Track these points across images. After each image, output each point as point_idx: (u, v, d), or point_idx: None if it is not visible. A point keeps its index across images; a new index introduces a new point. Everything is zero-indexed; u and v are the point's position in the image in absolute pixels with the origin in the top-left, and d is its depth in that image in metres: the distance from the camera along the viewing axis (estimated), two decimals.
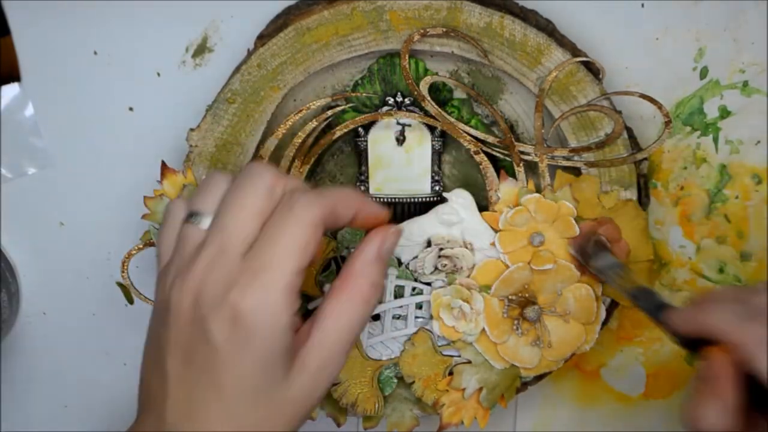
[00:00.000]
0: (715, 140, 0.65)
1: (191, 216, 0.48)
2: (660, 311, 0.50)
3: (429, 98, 0.60)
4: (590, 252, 0.59)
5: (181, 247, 0.47)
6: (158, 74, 0.63)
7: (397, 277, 0.62)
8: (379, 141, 0.63)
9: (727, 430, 0.45)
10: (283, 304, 0.44)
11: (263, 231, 0.45)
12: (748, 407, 0.45)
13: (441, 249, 0.61)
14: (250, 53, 0.60)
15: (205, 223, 0.47)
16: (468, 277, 0.61)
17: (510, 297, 0.61)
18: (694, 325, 0.47)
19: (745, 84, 0.64)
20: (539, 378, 0.64)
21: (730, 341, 0.45)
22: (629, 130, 0.62)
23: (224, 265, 0.45)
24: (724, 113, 0.65)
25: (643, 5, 0.62)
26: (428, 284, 0.62)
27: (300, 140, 0.61)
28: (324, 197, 0.46)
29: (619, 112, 0.60)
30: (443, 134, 0.63)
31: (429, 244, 0.62)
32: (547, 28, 0.60)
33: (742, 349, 0.45)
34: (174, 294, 0.45)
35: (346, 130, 0.61)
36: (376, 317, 0.62)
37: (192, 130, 0.60)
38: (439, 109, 0.61)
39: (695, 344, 0.48)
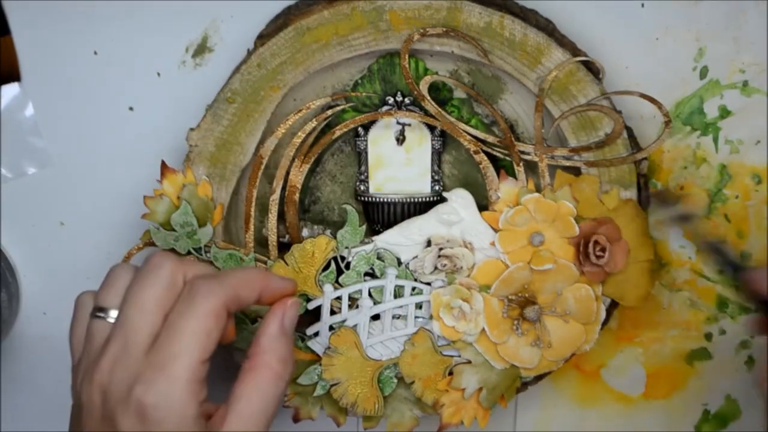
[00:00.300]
0: (715, 140, 0.65)
1: (97, 311, 0.49)
2: (738, 269, 0.50)
3: (429, 98, 0.60)
4: (669, 201, 0.58)
5: (89, 343, 0.49)
6: (158, 74, 0.63)
7: (397, 277, 0.62)
8: (379, 140, 0.63)
9: None
10: (187, 396, 0.45)
11: (166, 323, 0.47)
12: None
13: (441, 249, 0.61)
14: (250, 53, 0.60)
15: (111, 317, 0.48)
16: (468, 277, 0.61)
17: (510, 297, 0.61)
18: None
19: (745, 84, 0.64)
20: (539, 378, 0.64)
21: None
22: (629, 130, 0.62)
23: (128, 361, 0.46)
24: (724, 113, 0.65)
25: (643, 5, 0.62)
26: (428, 284, 0.62)
27: (300, 140, 0.61)
28: (224, 283, 0.47)
29: (619, 112, 0.60)
30: (443, 134, 0.63)
31: (429, 243, 0.62)
32: (547, 28, 0.60)
33: None
34: (84, 391, 0.47)
35: (345, 130, 0.61)
36: (376, 317, 0.62)
37: (192, 129, 0.60)
38: (439, 109, 0.61)
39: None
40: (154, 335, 0.46)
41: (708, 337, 0.69)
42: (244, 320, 0.61)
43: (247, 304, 0.49)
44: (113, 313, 0.48)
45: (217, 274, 0.49)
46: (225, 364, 0.68)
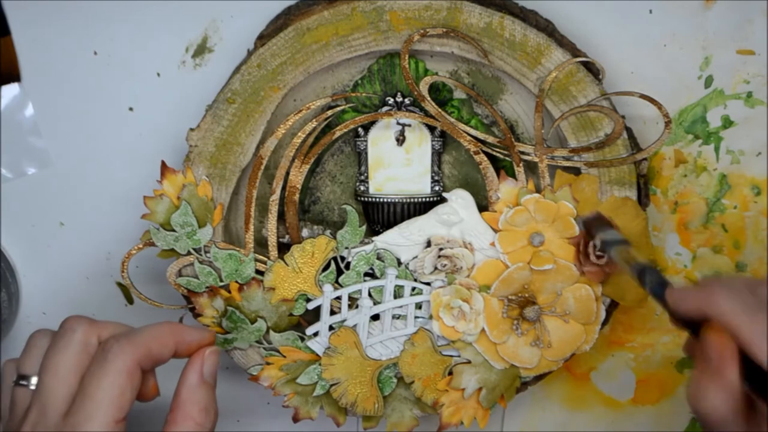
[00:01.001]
0: (717, 149, 0.65)
1: (20, 378, 0.51)
2: (663, 288, 0.50)
3: (429, 98, 0.60)
4: (595, 225, 0.59)
5: (12, 411, 0.50)
6: (158, 74, 0.63)
7: (397, 277, 0.62)
8: (379, 141, 0.63)
9: (730, 411, 0.45)
10: None
11: (81, 386, 0.48)
12: (747, 392, 0.45)
13: (441, 249, 0.61)
14: (250, 53, 0.60)
15: (32, 384, 0.50)
16: (468, 277, 0.61)
17: (510, 297, 0.61)
18: (699, 306, 0.47)
19: (749, 95, 0.64)
20: (539, 378, 0.64)
21: (733, 327, 0.45)
22: (629, 131, 0.62)
23: (47, 426, 0.48)
24: (727, 123, 0.65)
25: (651, 11, 0.62)
26: (428, 284, 0.62)
27: (300, 140, 0.61)
28: (136, 342, 0.49)
29: (623, 117, 0.60)
30: (443, 134, 0.63)
31: (429, 244, 0.62)
32: (547, 29, 0.60)
33: (744, 336, 0.45)
34: None
35: (346, 130, 0.61)
36: (376, 317, 0.62)
37: (192, 129, 0.60)
38: (439, 109, 0.61)
39: (692, 325, 0.48)
40: (70, 399, 0.48)
41: None
42: (244, 320, 0.61)
43: (162, 360, 0.51)
44: (34, 380, 0.50)
45: (130, 333, 0.50)
46: (224, 364, 0.68)
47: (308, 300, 0.62)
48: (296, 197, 0.62)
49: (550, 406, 0.71)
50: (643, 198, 0.62)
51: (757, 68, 0.64)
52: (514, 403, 0.70)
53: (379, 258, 0.62)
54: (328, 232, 0.63)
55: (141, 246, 0.60)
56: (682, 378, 0.70)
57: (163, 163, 0.59)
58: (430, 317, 0.62)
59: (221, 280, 0.61)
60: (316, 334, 0.62)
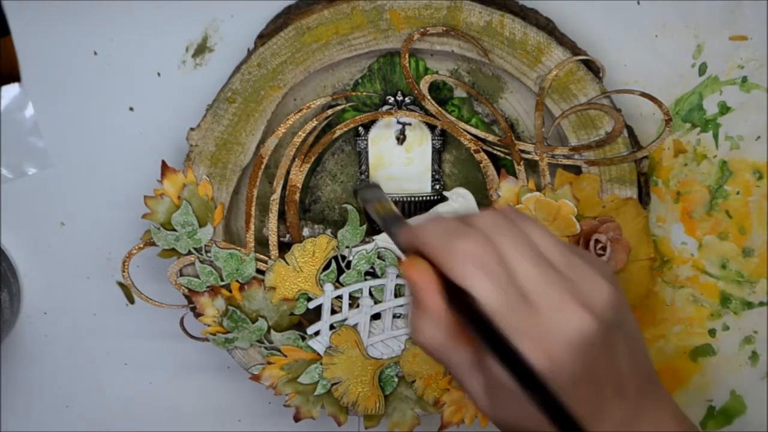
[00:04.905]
0: (715, 136, 0.65)
1: None
2: (393, 226, 0.49)
3: (429, 97, 0.60)
4: (359, 186, 0.58)
5: None
6: (158, 74, 0.63)
7: (398, 276, 0.62)
8: (380, 140, 0.63)
9: (443, 338, 0.45)
10: None
11: None
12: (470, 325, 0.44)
13: None
14: (250, 53, 0.60)
15: None
16: None
17: None
18: (411, 239, 0.46)
19: (744, 79, 0.64)
20: None
21: (431, 254, 0.45)
22: (629, 129, 0.62)
23: None
24: (724, 109, 0.65)
25: (638, 2, 0.62)
26: None
27: (300, 139, 0.61)
28: None
29: (619, 110, 0.60)
30: (443, 133, 0.63)
31: None
32: (547, 27, 0.60)
33: (439, 260, 0.44)
34: None
35: (346, 129, 0.61)
36: (377, 316, 0.62)
37: (192, 129, 0.60)
38: (440, 108, 0.61)
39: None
40: None
41: (711, 333, 0.69)
42: (245, 320, 0.61)
43: None
44: None
45: None
46: (225, 364, 0.68)
47: (309, 299, 0.62)
48: (297, 196, 0.62)
49: None
50: (644, 196, 0.62)
51: (751, 52, 0.63)
52: None
53: (379, 257, 0.62)
54: (328, 231, 0.63)
55: (142, 246, 0.60)
56: (697, 367, 0.69)
57: (164, 163, 0.59)
58: None
59: (222, 280, 0.61)
60: (317, 334, 0.62)
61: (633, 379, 0.47)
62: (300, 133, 0.61)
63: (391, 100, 0.62)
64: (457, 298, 0.44)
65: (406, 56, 0.59)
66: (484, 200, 0.62)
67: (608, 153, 0.61)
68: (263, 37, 0.60)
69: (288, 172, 0.61)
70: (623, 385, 0.46)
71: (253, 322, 0.61)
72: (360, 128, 0.63)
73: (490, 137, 0.61)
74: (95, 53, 0.63)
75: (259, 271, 0.61)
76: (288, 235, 0.63)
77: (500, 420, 0.47)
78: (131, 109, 0.64)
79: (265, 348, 0.62)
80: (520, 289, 0.43)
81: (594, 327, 0.43)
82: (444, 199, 0.62)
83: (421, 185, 0.63)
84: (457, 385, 0.62)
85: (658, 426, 0.48)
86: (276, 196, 0.61)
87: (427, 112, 0.61)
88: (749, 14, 0.63)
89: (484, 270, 0.43)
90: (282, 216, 0.62)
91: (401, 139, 0.63)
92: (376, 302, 0.62)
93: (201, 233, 0.60)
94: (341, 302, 0.62)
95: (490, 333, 0.42)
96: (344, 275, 0.62)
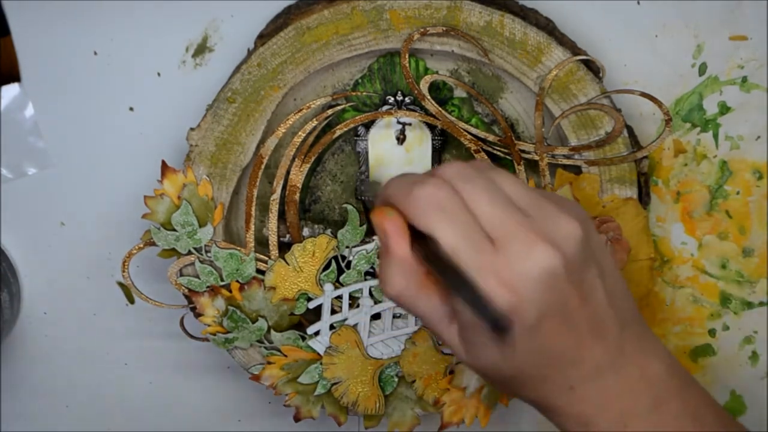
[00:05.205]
0: (715, 136, 0.65)
1: None
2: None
3: (429, 97, 0.60)
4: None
5: None
6: (158, 74, 0.63)
7: None
8: (380, 140, 0.63)
9: (410, 287, 0.45)
10: None
11: None
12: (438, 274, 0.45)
13: None
14: (250, 53, 0.60)
15: None
16: None
17: None
18: (380, 193, 0.47)
19: (744, 79, 0.64)
20: None
21: (395, 202, 0.45)
22: (629, 129, 0.62)
23: None
24: (724, 109, 0.64)
25: (639, 2, 0.62)
26: None
27: (300, 139, 0.61)
28: None
29: (619, 110, 0.60)
30: (443, 133, 0.63)
31: None
32: (547, 27, 0.60)
33: (404, 207, 0.44)
34: None
35: (346, 129, 0.61)
36: (377, 316, 0.62)
37: (192, 129, 0.60)
38: (440, 108, 0.61)
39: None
40: None
41: (711, 333, 0.69)
42: (245, 320, 0.61)
43: None
44: None
45: None
46: (225, 364, 0.68)
47: (309, 299, 0.62)
48: (297, 196, 0.62)
49: None
50: (644, 196, 0.62)
51: (751, 52, 0.63)
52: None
53: (379, 257, 0.62)
54: (328, 231, 0.63)
55: (142, 246, 0.60)
56: (697, 367, 0.69)
57: (164, 163, 0.59)
58: None
59: (222, 280, 0.61)
60: (317, 334, 0.62)
61: (612, 320, 0.46)
62: (300, 133, 0.61)
63: (391, 100, 0.62)
64: (426, 248, 0.44)
65: (406, 56, 0.59)
66: None
67: (608, 153, 0.61)
68: (263, 37, 0.60)
69: (288, 172, 0.61)
70: (601, 326, 0.45)
71: (253, 322, 0.61)
72: (360, 128, 0.63)
73: (490, 137, 0.61)
74: (95, 53, 0.63)
75: (259, 271, 0.61)
76: (288, 235, 0.63)
77: (480, 367, 0.47)
78: (131, 109, 0.64)
79: (265, 348, 0.62)
80: (484, 231, 0.43)
81: (559, 261, 0.43)
82: None
83: None
84: (457, 385, 0.62)
85: (645, 370, 0.47)
86: (276, 196, 0.61)
87: (427, 112, 0.61)
88: (749, 14, 0.63)
89: (446, 213, 0.43)
90: (282, 216, 0.62)
91: (401, 139, 0.63)
92: (376, 302, 0.62)
93: (201, 233, 0.60)
94: (341, 302, 0.62)
95: (454, 275, 0.42)
96: (344, 275, 0.62)
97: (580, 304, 0.44)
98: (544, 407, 0.48)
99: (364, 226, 0.61)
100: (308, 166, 0.61)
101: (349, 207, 0.61)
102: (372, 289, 0.62)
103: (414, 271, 0.45)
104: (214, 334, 0.62)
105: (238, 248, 0.61)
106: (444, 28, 0.59)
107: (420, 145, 0.63)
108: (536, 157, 0.61)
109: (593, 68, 0.60)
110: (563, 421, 0.48)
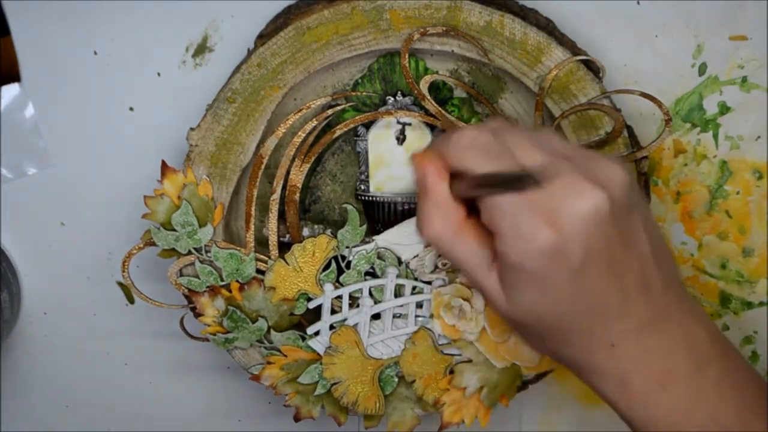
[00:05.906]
0: (715, 136, 0.65)
1: None
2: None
3: (429, 97, 0.60)
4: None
5: None
6: (158, 74, 0.63)
7: (398, 276, 0.62)
8: (380, 140, 0.63)
9: (449, 229, 0.45)
10: None
11: None
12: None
13: None
14: (250, 53, 0.60)
15: None
16: None
17: None
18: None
19: (744, 80, 0.64)
20: (540, 376, 0.64)
21: (437, 148, 0.45)
22: (629, 129, 0.62)
23: None
24: (724, 109, 0.65)
25: (638, 2, 0.62)
26: (429, 283, 0.62)
27: (300, 139, 0.61)
28: None
29: (619, 110, 0.60)
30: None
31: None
32: (547, 27, 0.60)
33: (445, 151, 0.45)
34: None
35: (346, 129, 0.61)
36: (377, 316, 0.62)
37: (192, 129, 0.60)
38: (440, 108, 0.61)
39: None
40: None
41: None
42: (245, 320, 0.61)
43: None
44: None
45: None
46: (225, 364, 0.68)
47: (309, 299, 0.62)
48: (297, 196, 0.62)
49: (567, 404, 0.71)
50: (644, 196, 0.62)
51: (751, 52, 0.63)
52: (531, 402, 0.70)
53: (379, 257, 0.62)
54: (328, 231, 0.63)
55: (141, 246, 0.60)
56: None
57: (164, 163, 0.59)
58: (431, 316, 0.62)
59: (222, 280, 0.61)
60: (317, 334, 0.62)
61: (657, 275, 0.44)
62: (300, 133, 0.61)
63: (391, 100, 0.62)
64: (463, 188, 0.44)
65: (406, 56, 0.59)
66: None
67: (608, 153, 0.61)
68: (263, 37, 0.60)
69: (288, 172, 0.61)
70: (647, 280, 0.44)
71: (253, 322, 0.61)
72: (360, 128, 0.63)
73: None
74: (95, 53, 0.63)
75: (259, 271, 0.61)
76: (288, 235, 0.63)
77: (520, 314, 0.45)
78: (131, 109, 0.64)
79: (265, 348, 0.62)
80: (527, 171, 0.42)
81: (606, 203, 0.41)
82: None
83: None
84: (457, 385, 0.62)
85: (687, 332, 0.45)
86: (276, 196, 0.61)
87: (427, 112, 0.61)
88: (749, 14, 0.63)
89: (487, 153, 0.43)
90: (282, 216, 0.62)
91: (401, 139, 0.63)
92: (376, 302, 0.62)
93: (201, 233, 0.60)
94: (341, 302, 0.62)
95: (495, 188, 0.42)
96: (344, 275, 0.62)
97: (625, 253, 0.43)
98: (581, 366, 0.47)
99: (364, 226, 0.61)
100: (308, 166, 0.61)
101: (349, 207, 0.61)
102: (372, 289, 0.62)
103: (452, 213, 0.44)
104: (214, 334, 0.62)
105: (238, 248, 0.61)
106: (444, 28, 0.59)
107: (420, 145, 0.63)
108: None
109: (593, 68, 0.60)
110: (600, 379, 0.46)
